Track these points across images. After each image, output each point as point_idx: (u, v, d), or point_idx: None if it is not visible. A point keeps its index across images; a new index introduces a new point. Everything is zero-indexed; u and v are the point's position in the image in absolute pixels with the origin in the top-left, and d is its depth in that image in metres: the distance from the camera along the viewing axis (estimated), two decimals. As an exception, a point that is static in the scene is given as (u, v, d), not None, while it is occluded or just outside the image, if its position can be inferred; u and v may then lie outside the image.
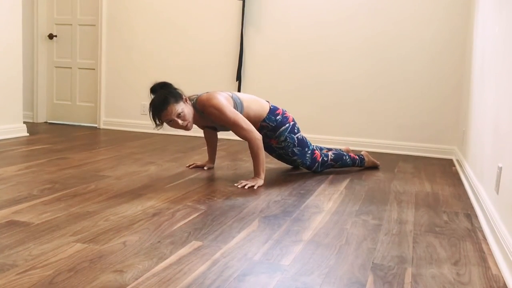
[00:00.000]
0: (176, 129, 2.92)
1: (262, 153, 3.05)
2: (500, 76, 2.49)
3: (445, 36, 4.49)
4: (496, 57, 2.68)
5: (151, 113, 2.97)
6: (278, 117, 3.24)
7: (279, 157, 3.48)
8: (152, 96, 3.01)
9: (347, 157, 3.60)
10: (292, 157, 3.39)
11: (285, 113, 3.31)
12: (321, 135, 4.85)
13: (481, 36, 3.45)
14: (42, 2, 5.57)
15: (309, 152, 3.41)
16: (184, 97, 3.02)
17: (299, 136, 3.34)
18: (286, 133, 3.27)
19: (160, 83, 3.04)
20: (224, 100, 3.02)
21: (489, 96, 2.80)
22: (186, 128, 3.00)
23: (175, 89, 3.04)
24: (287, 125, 3.27)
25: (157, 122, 3.00)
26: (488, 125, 2.70)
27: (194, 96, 3.14)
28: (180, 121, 2.96)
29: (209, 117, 3.05)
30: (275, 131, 3.25)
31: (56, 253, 1.80)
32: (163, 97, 2.94)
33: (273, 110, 3.25)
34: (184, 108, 2.98)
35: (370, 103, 4.72)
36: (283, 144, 3.31)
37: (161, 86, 3.02)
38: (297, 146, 3.34)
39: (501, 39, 2.57)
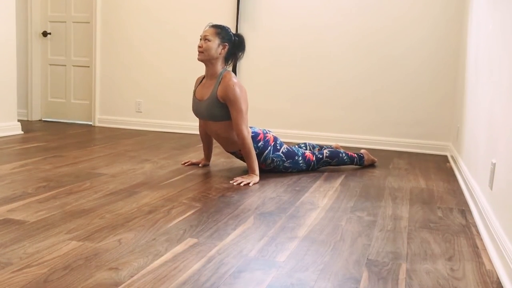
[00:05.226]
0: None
1: (254, 151, 3.08)
2: (493, 73, 2.50)
3: (439, 34, 4.50)
4: (489, 54, 2.69)
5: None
6: (260, 144, 3.20)
7: None
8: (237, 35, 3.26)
9: (343, 155, 3.57)
10: (287, 171, 3.39)
11: (266, 135, 3.24)
12: (315, 132, 4.86)
13: (475, 33, 3.46)
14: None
15: (301, 158, 3.38)
16: (225, 45, 3.15)
17: (283, 150, 3.30)
18: (270, 155, 3.24)
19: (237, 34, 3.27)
20: (244, 93, 3.15)
21: (483, 92, 2.81)
22: (199, 50, 3.15)
23: (237, 43, 3.21)
24: (269, 147, 3.23)
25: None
26: (482, 121, 2.71)
27: (225, 68, 3.22)
28: (200, 42, 3.15)
29: (222, 87, 3.08)
30: (259, 157, 3.22)
31: (51, 251, 1.80)
32: (222, 25, 3.20)
33: (254, 137, 3.18)
34: (213, 44, 3.11)
35: (365, 100, 4.73)
36: (271, 165, 3.29)
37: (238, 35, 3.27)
38: (287, 160, 3.31)
39: (494, 36, 2.58)
